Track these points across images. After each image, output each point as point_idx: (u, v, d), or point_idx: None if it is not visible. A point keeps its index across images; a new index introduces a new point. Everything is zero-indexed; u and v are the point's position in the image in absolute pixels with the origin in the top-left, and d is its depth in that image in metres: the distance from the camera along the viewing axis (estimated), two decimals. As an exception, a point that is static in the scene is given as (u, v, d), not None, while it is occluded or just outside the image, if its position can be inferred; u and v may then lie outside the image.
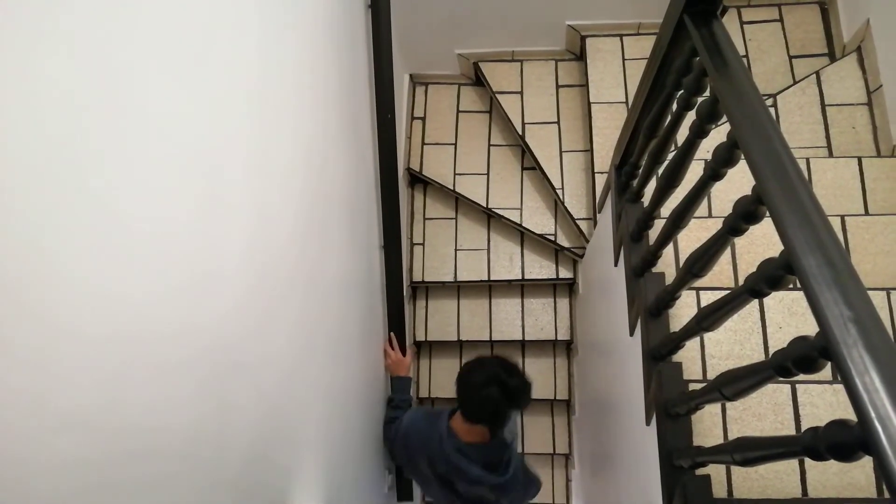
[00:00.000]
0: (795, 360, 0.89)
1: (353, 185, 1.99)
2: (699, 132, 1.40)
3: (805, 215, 0.92)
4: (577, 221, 2.95)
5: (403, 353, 2.44)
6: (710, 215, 2.17)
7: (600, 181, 2.76)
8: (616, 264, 2.13)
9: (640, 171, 1.92)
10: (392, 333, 2.45)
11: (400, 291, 2.48)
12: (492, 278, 3.18)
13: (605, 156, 2.77)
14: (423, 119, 3.30)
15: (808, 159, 2.27)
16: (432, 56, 3.23)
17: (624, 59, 2.97)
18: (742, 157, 1.14)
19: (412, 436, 2.13)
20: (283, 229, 1.27)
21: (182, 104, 0.81)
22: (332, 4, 1.77)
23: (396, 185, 2.40)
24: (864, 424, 0.71)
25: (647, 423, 1.68)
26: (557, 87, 3.16)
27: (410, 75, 3.34)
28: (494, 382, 1.80)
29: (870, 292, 1.83)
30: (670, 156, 1.61)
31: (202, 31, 0.88)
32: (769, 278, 0.98)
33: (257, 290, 1.09)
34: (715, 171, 1.29)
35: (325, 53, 1.69)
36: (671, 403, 1.51)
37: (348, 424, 1.89)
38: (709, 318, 1.25)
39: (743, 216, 1.10)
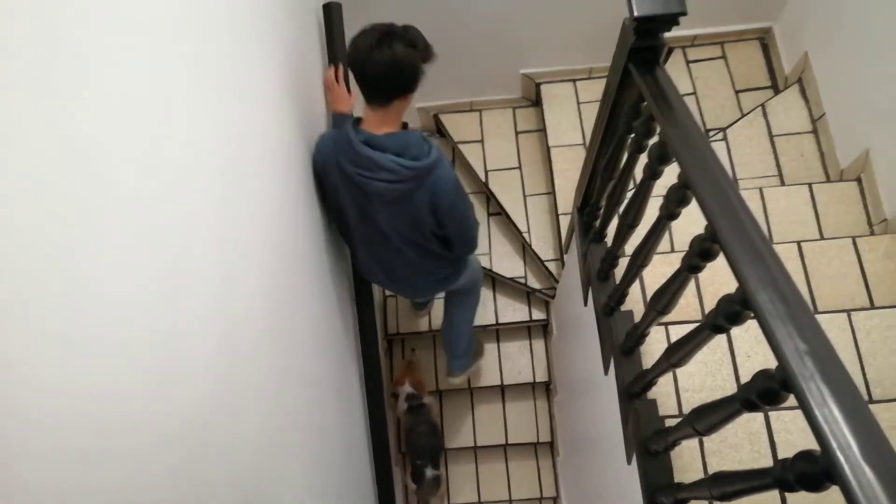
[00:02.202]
0: (759, 394, 0.91)
1: (321, 245, 2.01)
2: (652, 174, 1.45)
3: (756, 252, 0.96)
4: (545, 263, 2.98)
5: (349, 88, 2.16)
6: (672, 250, 2.23)
7: (565, 222, 2.81)
8: (585, 304, 2.16)
9: (601, 211, 1.96)
10: (339, 64, 2.14)
11: (375, 345, 2.48)
12: (466, 324, 3.18)
13: (567, 197, 2.83)
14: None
15: (760, 189, 2.35)
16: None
17: (579, 103, 3.07)
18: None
19: (321, 157, 1.85)
20: (253, 301, 1.27)
21: (145, 177, 0.82)
22: (291, 74, 1.81)
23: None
24: (827, 455, 0.73)
25: (629, 461, 1.69)
26: (517, 133, 3.24)
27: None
28: (385, 40, 1.63)
29: (830, 315, 1.89)
30: (630, 195, 1.65)
31: (165, 101, 0.89)
32: (728, 315, 1.01)
33: (229, 370, 1.09)
34: (670, 212, 1.34)
35: (289, 118, 1.72)
36: (649, 441, 1.52)
37: (329, 494, 1.86)
38: (677, 355, 1.28)
39: (699, 254, 1.14)
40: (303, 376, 1.64)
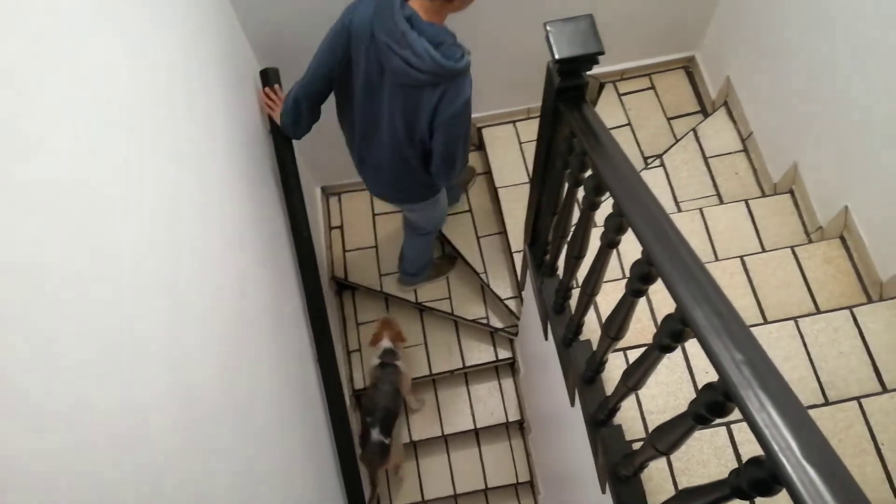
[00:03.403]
0: (707, 408, 0.94)
1: (277, 306, 2.00)
2: (591, 205, 1.50)
3: (689, 272, 1.00)
4: (504, 301, 3.02)
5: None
6: (623, 276, 2.28)
7: (519, 260, 2.85)
8: (546, 338, 2.18)
9: (550, 246, 2.01)
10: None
11: (341, 403, 2.46)
12: (433, 371, 3.18)
13: (518, 235, 2.88)
14: (341, 227, 3.37)
15: (701, 209, 2.44)
16: (340, 167, 3.31)
17: (520, 143, 3.16)
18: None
19: (357, 20, 1.80)
20: (207, 370, 1.26)
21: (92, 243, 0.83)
22: (234, 135, 1.83)
23: (322, 297, 2.42)
24: (771, 458, 0.76)
25: (603, 490, 1.69)
26: (464, 178, 3.30)
27: (322, 188, 3.42)
28: None
29: (780, 324, 1.94)
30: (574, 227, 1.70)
31: (109, 183, 0.91)
32: (671, 333, 1.05)
33: (186, 436, 1.08)
34: (610, 240, 1.38)
35: (235, 183, 1.73)
36: (618, 467, 1.54)
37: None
38: (633, 378, 1.31)
39: (639, 278, 1.18)
40: (265, 440, 1.62)
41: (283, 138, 2.27)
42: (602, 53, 1.40)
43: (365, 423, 2.84)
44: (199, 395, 1.18)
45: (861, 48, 1.96)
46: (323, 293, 2.45)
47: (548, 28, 1.41)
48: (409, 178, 2.14)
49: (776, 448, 0.75)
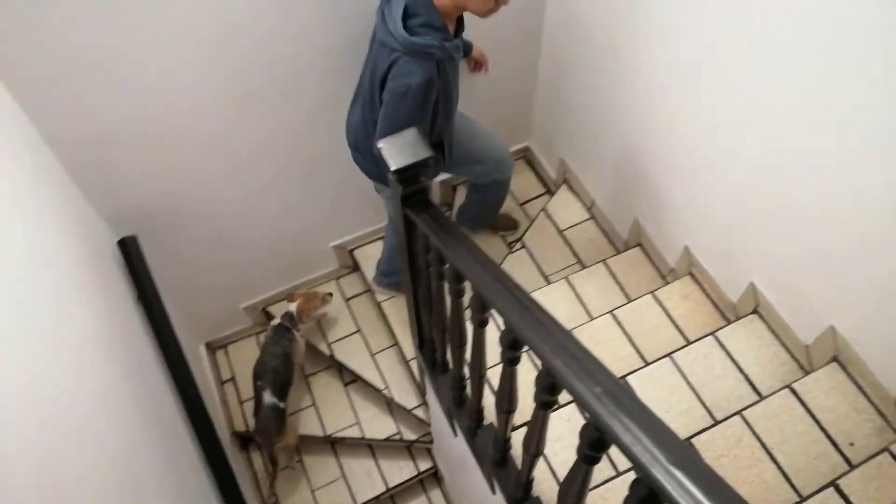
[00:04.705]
0: (590, 446, 1.01)
1: (177, 477, 1.91)
2: (457, 293, 1.60)
3: (544, 328, 1.10)
4: (412, 411, 3.01)
5: None
6: (513, 356, 2.37)
7: (416, 366, 2.89)
8: (455, 434, 2.20)
9: (436, 343, 2.08)
10: None
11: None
12: (359, 503, 3.07)
13: (409, 343, 2.93)
14: (233, 379, 3.28)
15: (567, 278, 2.62)
16: (221, 318, 3.29)
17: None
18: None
19: None
20: None
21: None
22: (101, 311, 1.80)
23: (225, 456, 2.33)
24: (645, 474, 0.83)
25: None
26: (346, 301, 3.35)
27: (207, 344, 3.35)
28: None
29: (658, 363, 2.08)
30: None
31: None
32: (545, 388, 1.12)
33: None
34: (480, 320, 1.47)
35: (111, 362, 1.69)
36: (545, 539, 1.55)
37: None
38: (531, 444, 1.36)
39: (509, 346, 1.27)
40: None
41: (154, 302, 2.25)
42: (432, 157, 1.54)
43: (256, 388, 2.71)
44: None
45: (657, 107, 2.26)
46: (224, 451, 2.36)
47: (380, 145, 1.55)
48: (367, 142, 2.15)
49: (644, 461, 0.83)
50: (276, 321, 2.90)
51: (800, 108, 1.66)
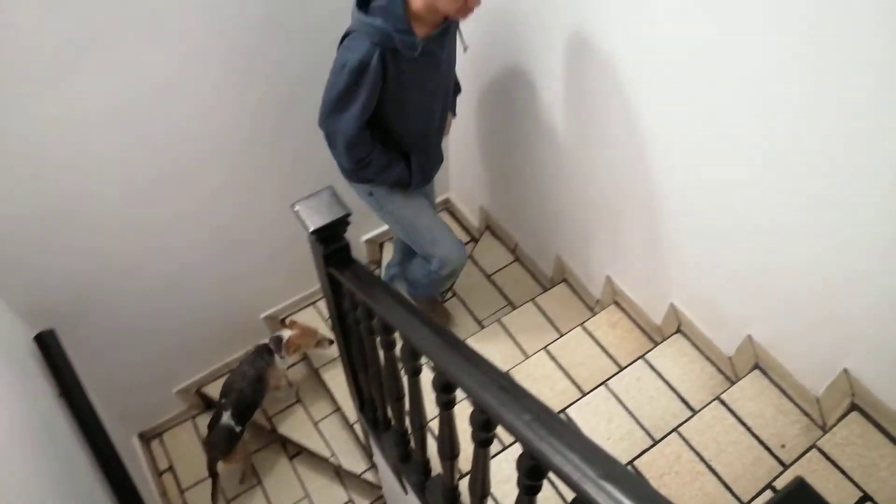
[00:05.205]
0: (527, 475, 1.02)
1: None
2: (388, 345, 1.61)
3: (470, 367, 1.12)
4: (362, 476, 2.95)
5: None
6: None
7: (360, 429, 2.84)
8: (406, 492, 2.17)
9: (376, 400, 2.06)
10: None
11: None
12: (316, 581, 2.95)
13: (351, 405, 2.89)
14: (171, 468, 3.14)
15: (500, 320, 2.67)
16: (153, 406, 3.16)
17: (324, 319, 3.24)
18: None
19: None
20: None
21: None
22: (20, 410, 1.72)
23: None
24: (579, 492, 0.85)
25: None
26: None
27: (140, 434, 3.20)
28: None
29: (595, 391, 2.12)
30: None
31: None
32: (479, 424, 1.14)
33: None
34: (413, 369, 1.48)
35: (34, 462, 1.60)
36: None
37: None
38: (476, 485, 1.36)
39: (442, 389, 1.28)
40: None
41: (78, 396, 2.15)
42: (349, 214, 1.57)
43: (218, 405, 2.61)
44: None
45: (565, 149, 2.38)
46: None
47: (296, 208, 1.57)
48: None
49: (575, 478, 0.85)
50: (263, 341, 2.80)
51: (704, 140, 1.76)
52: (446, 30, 1.90)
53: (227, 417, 2.62)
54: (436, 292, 2.85)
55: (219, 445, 2.64)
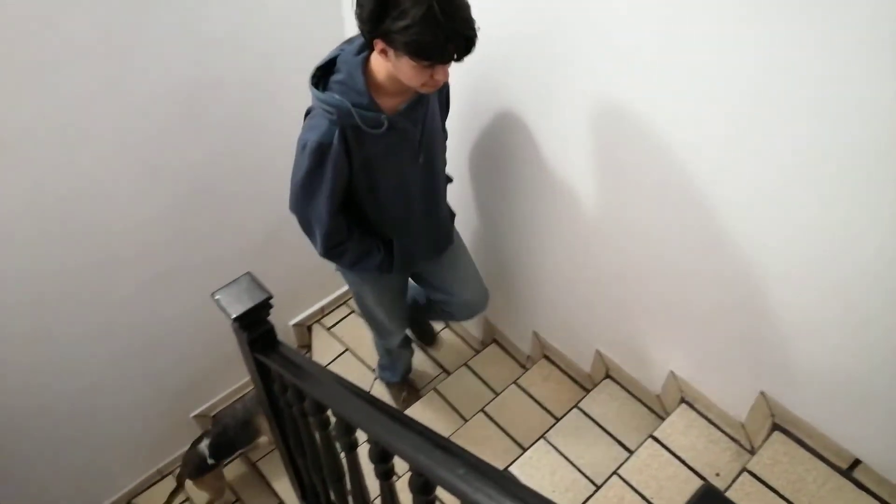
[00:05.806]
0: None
1: None
2: (322, 425, 1.60)
3: (395, 428, 1.14)
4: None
5: None
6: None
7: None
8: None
9: (318, 487, 2.02)
10: None
11: None
12: None
13: (294, 496, 2.79)
14: None
15: (435, 388, 2.68)
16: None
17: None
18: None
19: None
20: None
21: None
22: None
23: None
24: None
25: None
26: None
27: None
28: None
29: (535, 446, 2.14)
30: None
31: None
32: (419, 488, 1.15)
33: None
34: (349, 444, 1.48)
35: None
36: None
37: None
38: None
39: (378, 459, 1.28)
40: None
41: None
42: (270, 297, 1.58)
43: (206, 429, 2.52)
44: None
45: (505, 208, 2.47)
46: None
47: (217, 297, 1.56)
48: None
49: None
50: (251, 403, 2.67)
51: (601, 189, 1.89)
52: (418, 101, 1.66)
53: (203, 446, 2.53)
54: (400, 370, 2.84)
55: (188, 467, 2.55)
